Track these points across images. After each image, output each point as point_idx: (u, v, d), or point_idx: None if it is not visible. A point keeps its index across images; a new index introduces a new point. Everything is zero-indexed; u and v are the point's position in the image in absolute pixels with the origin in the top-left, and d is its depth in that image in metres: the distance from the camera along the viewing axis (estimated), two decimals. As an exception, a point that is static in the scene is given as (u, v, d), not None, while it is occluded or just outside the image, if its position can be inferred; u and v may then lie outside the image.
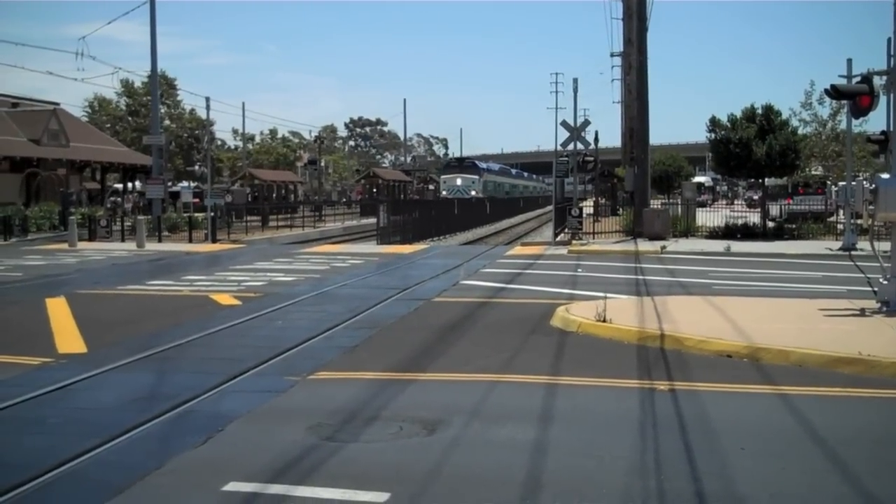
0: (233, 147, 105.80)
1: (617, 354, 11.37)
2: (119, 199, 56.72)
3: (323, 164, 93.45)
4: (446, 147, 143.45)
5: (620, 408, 8.63)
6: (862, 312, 13.61)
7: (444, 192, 79.90)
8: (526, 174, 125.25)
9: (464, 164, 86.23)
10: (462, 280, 20.85)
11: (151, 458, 7.11)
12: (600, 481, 6.48)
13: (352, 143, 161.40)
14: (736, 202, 67.83)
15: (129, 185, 62.47)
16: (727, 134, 32.61)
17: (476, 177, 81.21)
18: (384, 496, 6.16)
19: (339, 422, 8.11)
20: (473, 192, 75.90)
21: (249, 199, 63.93)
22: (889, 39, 22.28)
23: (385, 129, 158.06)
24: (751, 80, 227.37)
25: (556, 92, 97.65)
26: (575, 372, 10.25)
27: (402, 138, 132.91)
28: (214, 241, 37.20)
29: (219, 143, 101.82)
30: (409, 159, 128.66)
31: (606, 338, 12.38)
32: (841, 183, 35.31)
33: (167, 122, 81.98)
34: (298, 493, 6.26)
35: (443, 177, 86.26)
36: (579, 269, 23.13)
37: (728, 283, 19.26)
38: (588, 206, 46.24)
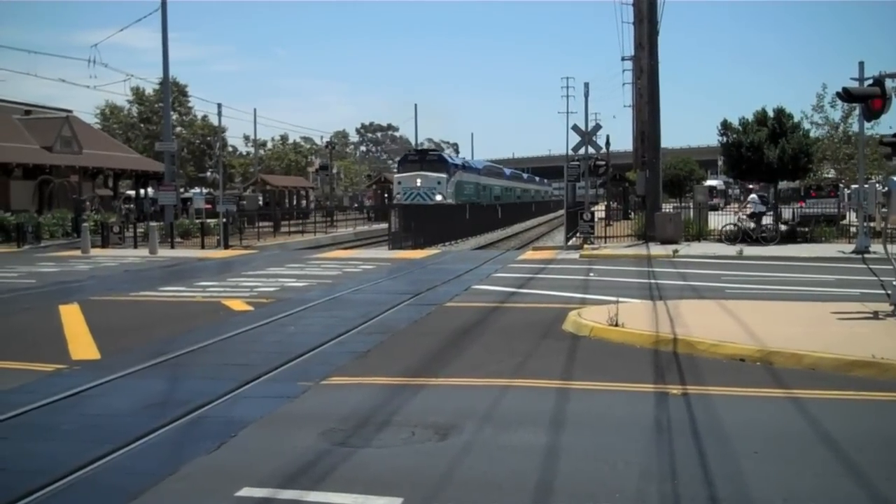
0: (244, 153, 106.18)
1: (629, 359, 11.35)
2: (130, 205, 56.87)
3: (335, 169, 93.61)
4: (457, 151, 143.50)
5: (633, 412, 8.62)
6: (875, 315, 13.56)
7: (398, 196, 59.48)
8: (526, 176, 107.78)
9: (426, 159, 62.37)
10: (474, 286, 20.84)
11: (165, 464, 7.14)
12: (613, 486, 6.47)
13: (363, 148, 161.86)
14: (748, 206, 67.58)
15: (132, 192, 62.72)
16: (739, 137, 32.55)
17: (443, 175, 59.44)
18: (397, 501, 6.16)
19: (352, 427, 8.12)
20: (439, 197, 57.36)
21: (261, 205, 64.14)
22: (901, 42, 22.23)
23: (396, 134, 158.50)
24: (762, 84, 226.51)
25: (568, 96, 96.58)
26: (587, 376, 10.24)
27: (413, 143, 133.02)
28: (227, 246, 37.29)
29: (230, 149, 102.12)
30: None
31: (619, 342, 12.37)
32: (854, 186, 35.26)
33: (179, 128, 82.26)
34: (311, 498, 6.27)
35: (397, 175, 63.17)
36: (591, 274, 23.10)
37: (740, 287, 19.20)
38: (600, 211, 46.23)
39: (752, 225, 32.83)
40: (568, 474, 6.76)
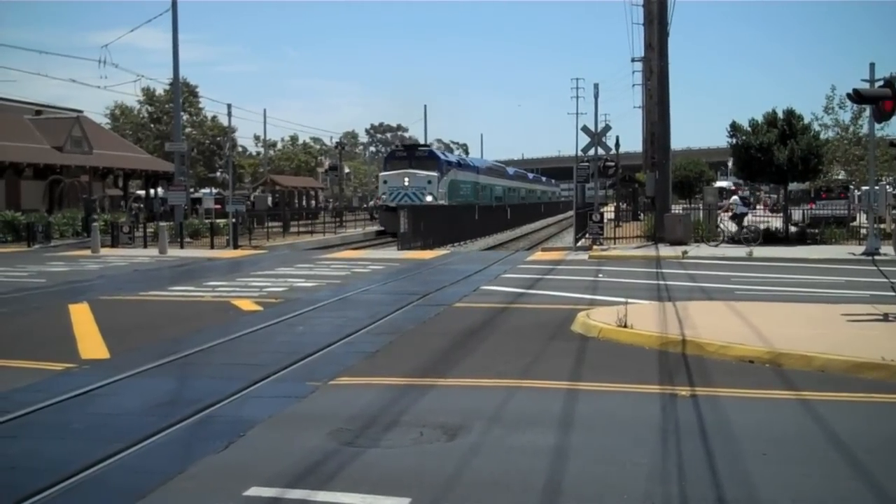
0: (254, 153, 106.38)
1: (638, 360, 11.33)
2: (140, 205, 57.02)
3: (344, 170, 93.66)
4: (467, 152, 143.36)
5: (642, 414, 8.60)
6: (885, 317, 13.50)
7: (383, 197, 54.85)
8: (531, 175, 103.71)
9: (415, 156, 56.38)
10: (482, 286, 20.84)
11: (173, 463, 7.15)
12: (622, 487, 6.46)
13: (372, 148, 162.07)
14: (758, 207, 67.51)
15: (142, 192, 62.98)
16: (748, 139, 32.49)
17: (434, 174, 54.04)
18: (404, 501, 6.16)
19: (360, 427, 8.13)
20: (430, 198, 52.34)
21: (271, 205, 64.23)
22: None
23: (406, 134, 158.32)
24: (771, 86, 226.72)
25: (577, 97, 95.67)
26: (596, 378, 10.23)
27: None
28: (236, 246, 37.36)
29: (240, 149, 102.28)
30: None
31: (627, 343, 12.35)
32: (864, 187, 35.12)
33: (189, 129, 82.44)
34: (319, 497, 6.28)
35: (383, 174, 57.26)
36: (600, 275, 23.07)
37: (750, 289, 19.15)
38: (609, 212, 46.17)
39: (734, 227, 32.94)
40: (576, 475, 6.75)
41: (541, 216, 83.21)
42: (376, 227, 56.39)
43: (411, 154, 56.96)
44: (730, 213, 34.06)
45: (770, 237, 32.92)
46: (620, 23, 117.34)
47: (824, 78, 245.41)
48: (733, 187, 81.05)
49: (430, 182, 53.24)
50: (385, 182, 54.83)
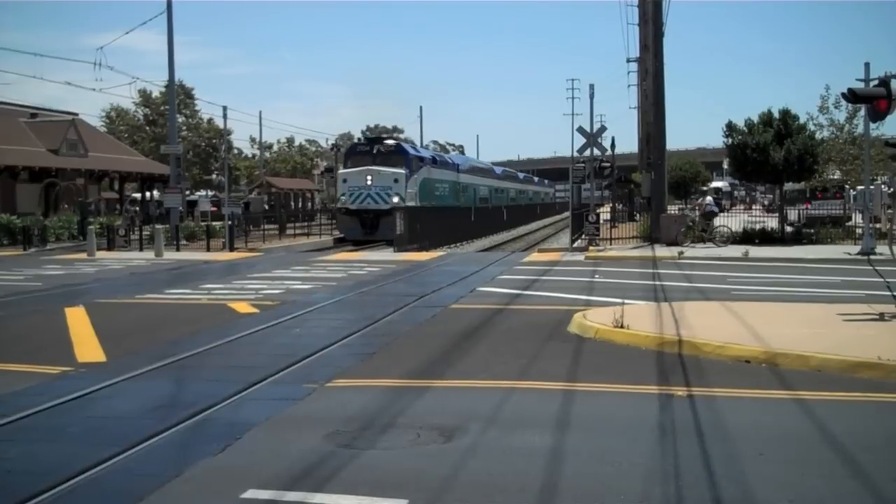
0: (250, 156, 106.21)
1: (634, 360, 11.34)
2: (136, 208, 56.95)
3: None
4: (463, 153, 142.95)
5: (638, 414, 8.61)
6: (881, 317, 13.53)
7: (342, 197, 46.54)
8: (522, 176, 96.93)
9: (380, 150, 47.73)
10: (478, 288, 20.84)
11: (170, 466, 7.15)
12: (618, 488, 6.46)
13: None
14: (754, 207, 67.64)
15: (138, 194, 62.98)
16: (744, 139, 32.54)
17: (401, 171, 45.99)
18: (402, 503, 6.17)
19: (357, 429, 8.13)
20: (396, 199, 44.33)
21: (266, 208, 64.18)
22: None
23: (402, 136, 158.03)
24: (766, 86, 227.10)
25: (573, 98, 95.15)
26: (592, 378, 10.24)
27: (418, 145, 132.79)
28: (232, 249, 37.31)
29: (236, 151, 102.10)
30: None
31: (624, 344, 12.36)
32: (859, 187, 35.18)
33: (185, 131, 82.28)
34: (316, 500, 6.28)
35: (342, 172, 49.27)
36: (596, 275, 23.08)
37: (746, 289, 19.18)
38: (605, 212, 46.21)
39: (705, 226, 33.13)
40: (573, 476, 6.76)
41: (536, 217, 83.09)
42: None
43: (375, 148, 48.31)
44: (701, 212, 34.34)
45: (766, 237, 32.98)
46: (616, 23, 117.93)
47: (820, 77, 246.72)
48: (729, 188, 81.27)
49: (396, 181, 45.47)
50: (344, 181, 46.80)
